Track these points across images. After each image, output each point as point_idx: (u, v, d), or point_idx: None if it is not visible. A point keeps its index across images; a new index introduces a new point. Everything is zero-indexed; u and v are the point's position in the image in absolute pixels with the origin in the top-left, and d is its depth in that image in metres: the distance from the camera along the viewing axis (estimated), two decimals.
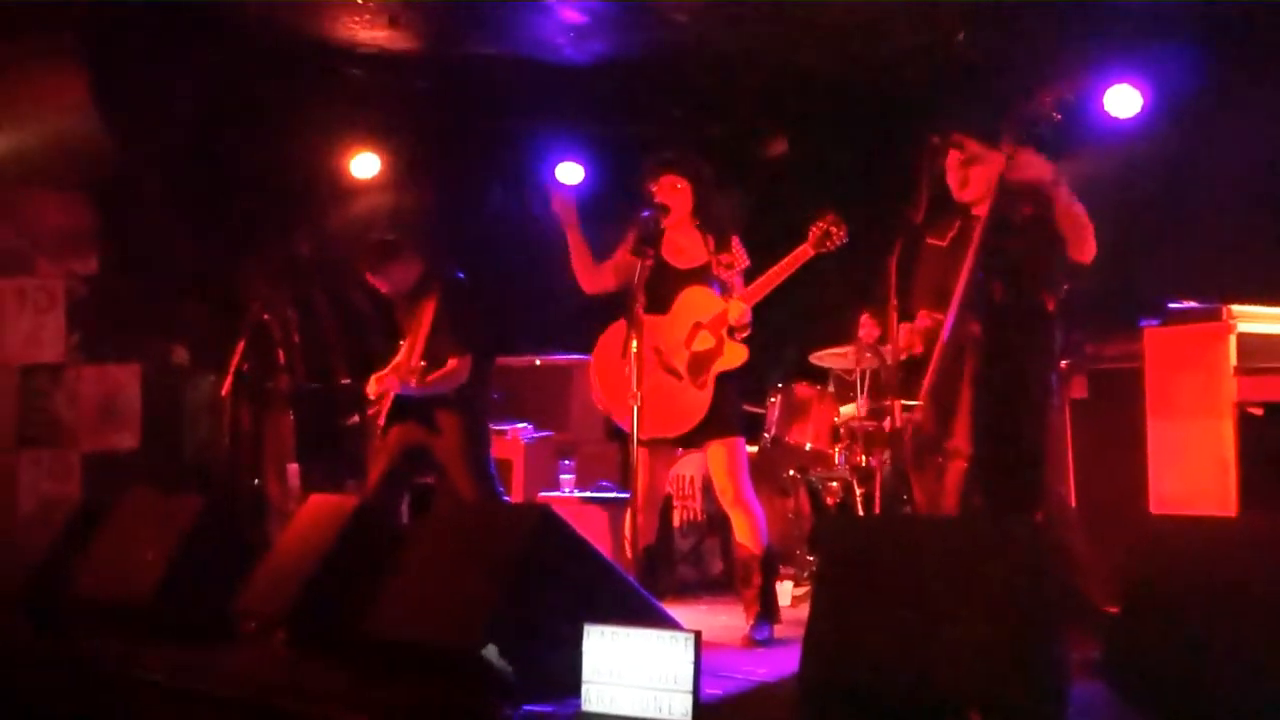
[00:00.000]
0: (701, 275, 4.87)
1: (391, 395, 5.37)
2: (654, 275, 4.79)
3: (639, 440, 4.57)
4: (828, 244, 4.69)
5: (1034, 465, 4.20)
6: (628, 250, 4.91)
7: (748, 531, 4.81)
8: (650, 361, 4.73)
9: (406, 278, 5.52)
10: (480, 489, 5.36)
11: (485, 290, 7.72)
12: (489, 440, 5.61)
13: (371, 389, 5.52)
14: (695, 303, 4.82)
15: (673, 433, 4.79)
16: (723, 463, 4.79)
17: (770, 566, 4.86)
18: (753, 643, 4.67)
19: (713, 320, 4.79)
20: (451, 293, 5.42)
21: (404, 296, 5.54)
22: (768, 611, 4.81)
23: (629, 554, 4.82)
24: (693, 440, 4.87)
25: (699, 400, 4.75)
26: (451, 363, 5.33)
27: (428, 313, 5.33)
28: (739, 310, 4.73)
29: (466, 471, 5.36)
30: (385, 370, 5.52)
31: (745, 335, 4.80)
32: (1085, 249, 4.22)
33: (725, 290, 4.86)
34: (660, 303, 4.81)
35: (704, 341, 4.79)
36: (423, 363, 5.27)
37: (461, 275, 5.55)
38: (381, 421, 5.43)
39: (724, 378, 4.77)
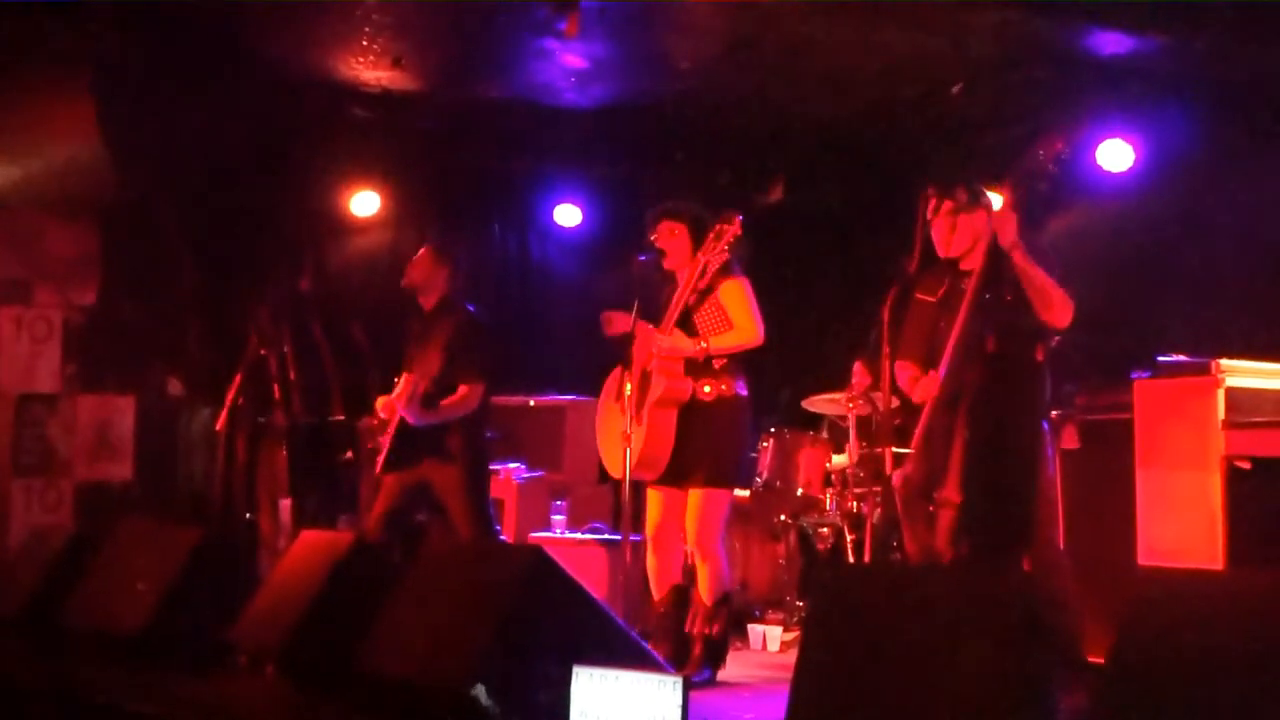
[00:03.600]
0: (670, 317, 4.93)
1: (394, 428, 5.40)
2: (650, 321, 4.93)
3: (630, 480, 4.68)
4: (719, 245, 4.77)
5: (1023, 515, 4.23)
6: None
7: (702, 582, 4.86)
8: (617, 412, 4.89)
9: (436, 284, 5.57)
10: (478, 529, 5.39)
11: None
12: (489, 481, 5.65)
13: (380, 407, 5.54)
14: (643, 346, 4.89)
15: (629, 472, 4.79)
16: (693, 509, 4.83)
17: (716, 617, 4.85)
18: (690, 682, 4.70)
19: (648, 357, 4.86)
20: (468, 321, 5.51)
21: (419, 317, 5.60)
22: (709, 658, 4.85)
23: (656, 594, 4.92)
24: (672, 480, 4.87)
25: (639, 436, 4.78)
26: (463, 389, 5.37)
27: (441, 339, 5.38)
28: (655, 342, 4.81)
29: (466, 511, 5.39)
30: (392, 395, 5.56)
31: (707, 360, 4.81)
32: (1054, 314, 4.20)
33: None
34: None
35: (646, 380, 4.86)
36: (430, 390, 5.32)
37: (473, 309, 5.63)
38: (382, 458, 5.45)
39: (684, 417, 4.78)
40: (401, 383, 5.42)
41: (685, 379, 4.83)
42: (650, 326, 4.88)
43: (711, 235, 4.79)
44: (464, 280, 5.73)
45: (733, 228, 4.75)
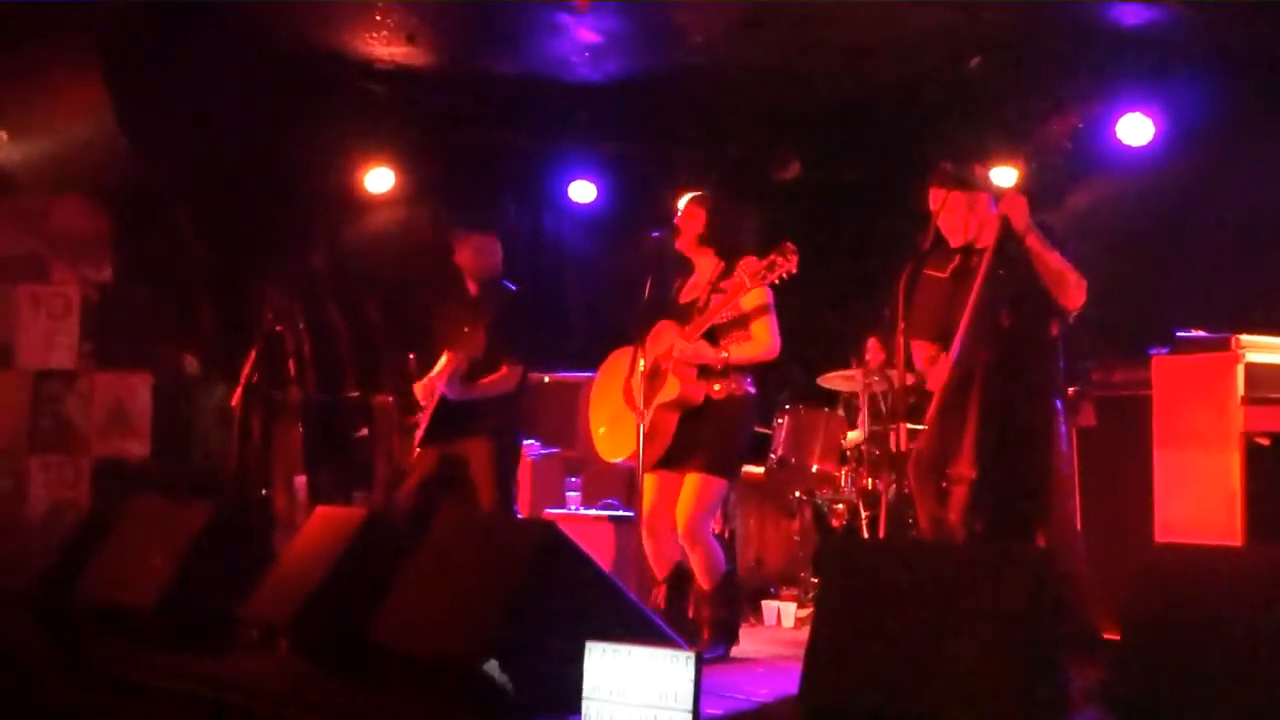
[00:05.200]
0: (684, 311, 4.91)
1: (435, 404, 5.41)
2: (663, 309, 4.93)
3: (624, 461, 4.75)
4: (770, 276, 4.68)
5: (1037, 491, 4.21)
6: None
7: (697, 568, 4.86)
8: (620, 394, 4.94)
9: (490, 265, 5.59)
10: (499, 504, 5.43)
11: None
12: (518, 462, 5.71)
13: (420, 393, 5.56)
14: (658, 338, 4.87)
15: (630, 457, 4.81)
16: (688, 493, 4.81)
17: (720, 598, 4.85)
18: (703, 657, 4.71)
19: (664, 354, 4.85)
20: (513, 302, 5.54)
21: (462, 296, 5.61)
22: (721, 635, 4.85)
23: (658, 575, 4.92)
24: (671, 464, 4.87)
25: (645, 429, 4.76)
26: (504, 369, 5.42)
27: (486, 318, 5.38)
28: (679, 348, 4.78)
29: (491, 486, 5.44)
30: (431, 375, 5.56)
31: (723, 367, 4.79)
32: (1068, 296, 4.20)
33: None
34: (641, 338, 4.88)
35: (656, 375, 4.83)
36: (472, 368, 5.36)
37: (515, 289, 5.65)
38: (420, 433, 5.47)
39: (687, 413, 4.80)
40: (444, 360, 5.46)
41: (700, 384, 4.82)
42: (674, 325, 4.86)
43: (765, 264, 4.69)
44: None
45: (788, 263, 4.66)
